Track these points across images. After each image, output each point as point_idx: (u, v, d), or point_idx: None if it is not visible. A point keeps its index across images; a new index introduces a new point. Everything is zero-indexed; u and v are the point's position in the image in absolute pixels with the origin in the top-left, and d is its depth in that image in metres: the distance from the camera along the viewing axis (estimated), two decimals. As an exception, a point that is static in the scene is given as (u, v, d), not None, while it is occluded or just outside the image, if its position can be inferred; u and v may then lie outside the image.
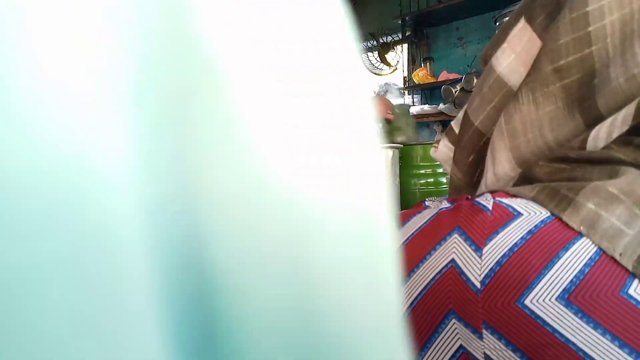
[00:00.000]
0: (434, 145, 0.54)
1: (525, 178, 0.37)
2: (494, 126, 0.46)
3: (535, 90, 0.39)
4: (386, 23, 3.21)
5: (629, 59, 0.34)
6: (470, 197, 0.38)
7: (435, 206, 0.43)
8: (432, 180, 1.36)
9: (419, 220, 0.37)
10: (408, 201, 1.34)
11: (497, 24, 2.18)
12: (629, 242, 0.28)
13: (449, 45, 2.94)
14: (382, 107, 2.16)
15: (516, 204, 0.33)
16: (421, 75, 2.95)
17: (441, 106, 2.58)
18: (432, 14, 2.81)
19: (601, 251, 0.29)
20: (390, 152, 1.19)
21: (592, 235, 0.29)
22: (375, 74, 3.37)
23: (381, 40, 3.30)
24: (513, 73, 0.44)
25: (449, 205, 0.36)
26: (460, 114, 0.51)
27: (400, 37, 3.21)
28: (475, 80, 2.19)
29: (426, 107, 2.69)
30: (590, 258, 0.29)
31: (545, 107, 0.39)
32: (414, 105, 2.99)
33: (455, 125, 0.52)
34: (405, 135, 2.08)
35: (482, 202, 0.34)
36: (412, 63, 3.19)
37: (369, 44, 3.43)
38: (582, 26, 0.37)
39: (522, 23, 0.43)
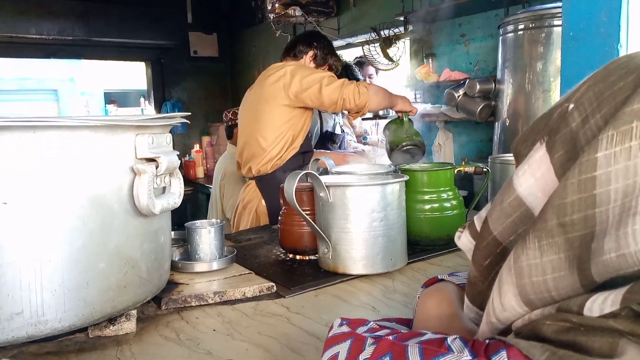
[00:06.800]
0: (459, 229, 0.58)
1: (534, 332, 0.41)
2: (510, 237, 0.49)
3: (541, 239, 0.43)
4: (388, 17, 3.20)
5: (622, 236, 0.38)
6: (488, 344, 0.42)
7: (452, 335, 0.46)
8: (437, 205, 1.39)
9: None
10: (414, 227, 1.38)
11: (500, 30, 2.18)
12: None
13: (451, 41, 2.94)
14: (406, 102, 2.14)
15: None
16: (423, 72, 2.95)
17: (443, 108, 2.60)
18: (434, 10, 2.80)
19: None
20: (397, 186, 1.22)
21: None
22: (377, 68, 3.37)
23: (383, 35, 3.29)
24: (531, 196, 0.47)
25: (470, 358, 0.40)
26: (483, 212, 0.54)
27: (402, 31, 3.20)
28: (477, 87, 2.21)
29: (429, 107, 2.71)
30: None
31: (549, 255, 0.42)
32: (416, 102, 3.00)
33: (477, 221, 0.55)
34: (412, 140, 2.10)
35: None
36: (415, 58, 3.19)
37: (370, 37, 3.42)
38: (589, 188, 0.40)
39: (542, 150, 0.46)
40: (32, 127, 0.75)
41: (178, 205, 0.97)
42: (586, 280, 0.40)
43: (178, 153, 0.96)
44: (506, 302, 0.45)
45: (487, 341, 0.43)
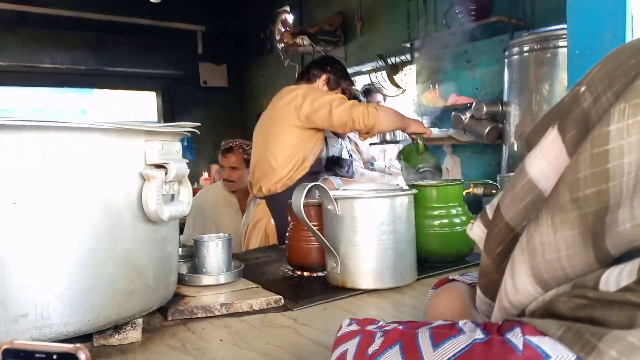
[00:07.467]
0: (471, 222, 0.57)
1: (549, 311, 0.40)
2: (523, 222, 0.48)
3: (554, 215, 0.42)
4: (394, 45, 3.25)
5: (636, 206, 0.37)
6: (501, 324, 0.41)
7: (464, 320, 0.45)
8: (446, 221, 1.38)
9: (454, 345, 0.40)
10: (423, 243, 1.36)
11: (506, 52, 2.20)
12: None
13: (457, 67, 2.97)
14: (420, 124, 2.15)
15: (545, 344, 0.36)
16: (430, 97, 2.98)
17: (451, 131, 2.61)
18: (440, 37, 2.85)
19: None
20: (406, 199, 1.21)
21: None
22: (384, 94, 3.41)
23: (389, 62, 3.33)
24: (544, 178, 0.46)
25: (483, 336, 0.39)
26: (495, 201, 0.54)
27: (409, 58, 3.24)
28: (484, 109, 2.22)
29: (436, 130, 2.72)
30: None
31: (562, 232, 0.41)
32: (423, 127, 3.01)
33: (489, 209, 0.54)
34: (428, 162, 2.09)
35: (513, 340, 0.37)
36: (421, 84, 3.22)
37: (377, 65, 3.47)
38: (602, 162, 0.40)
39: (555, 132, 0.46)
40: (44, 127, 0.76)
41: (186, 214, 0.97)
42: (602, 254, 0.39)
43: (187, 161, 0.97)
44: (519, 284, 0.44)
45: (499, 322, 0.42)
